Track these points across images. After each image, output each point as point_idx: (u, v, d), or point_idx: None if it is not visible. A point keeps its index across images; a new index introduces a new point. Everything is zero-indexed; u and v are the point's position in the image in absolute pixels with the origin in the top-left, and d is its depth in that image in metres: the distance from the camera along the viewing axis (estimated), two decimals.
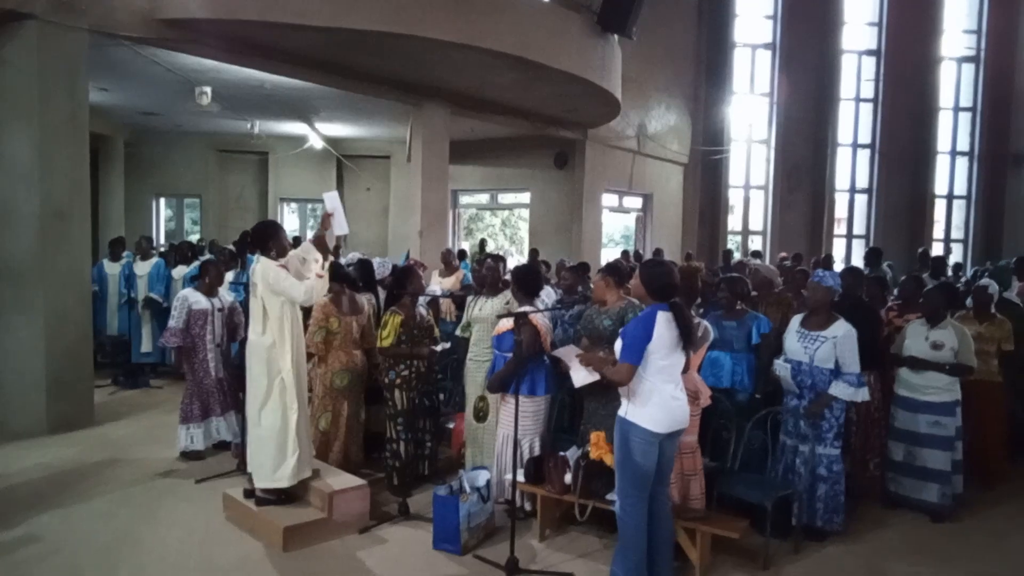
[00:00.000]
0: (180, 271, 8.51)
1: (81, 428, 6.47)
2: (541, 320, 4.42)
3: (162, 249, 11.29)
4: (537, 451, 4.57)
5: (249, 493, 4.51)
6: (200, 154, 13.99)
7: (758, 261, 11.64)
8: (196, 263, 7.82)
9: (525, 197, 14.34)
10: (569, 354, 4.19)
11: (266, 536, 4.27)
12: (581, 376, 4.09)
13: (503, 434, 4.63)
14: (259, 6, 6.82)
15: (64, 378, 6.44)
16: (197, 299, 5.82)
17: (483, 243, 13.72)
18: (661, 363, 3.54)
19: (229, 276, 7.79)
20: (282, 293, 4.28)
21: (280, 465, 4.33)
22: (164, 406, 7.17)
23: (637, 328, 3.57)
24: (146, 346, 8.39)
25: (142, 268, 8.48)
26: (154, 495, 5.02)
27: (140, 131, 13.11)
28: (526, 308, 4.52)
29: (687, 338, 3.58)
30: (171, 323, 5.74)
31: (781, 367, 4.56)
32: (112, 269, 8.55)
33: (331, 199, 4.55)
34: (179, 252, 9.00)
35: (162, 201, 14.83)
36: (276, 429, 4.33)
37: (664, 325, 3.53)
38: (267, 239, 4.43)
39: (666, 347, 3.53)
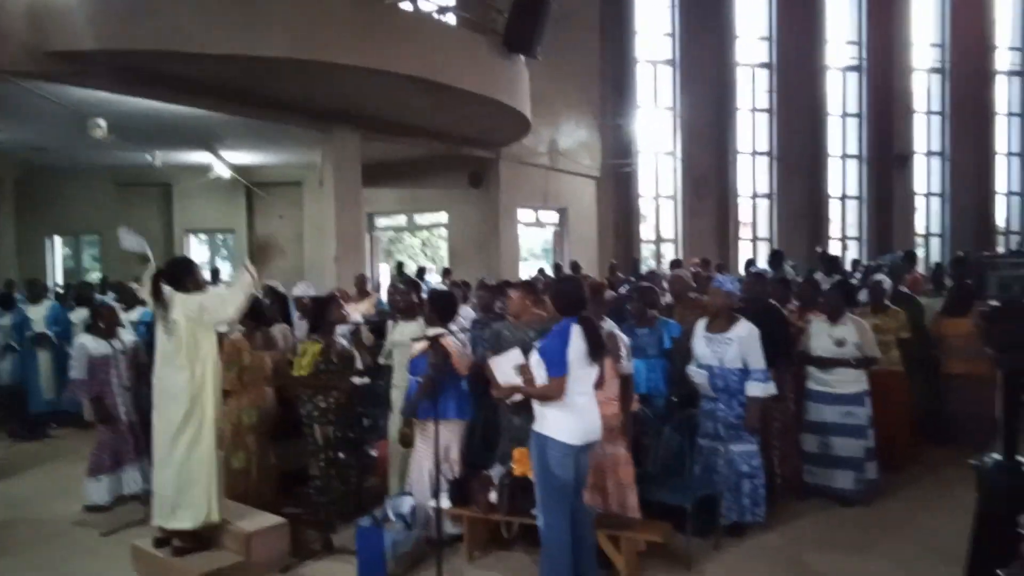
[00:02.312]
0: (79, 314, 8.03)
1: None
2: (453, 343, 4.41)
3: (58, 291, 10.66)
4: (450, 475, 4.53)
5: (160, 542, 4.29)
6: (98, 189, 13.34)
7: (679, 270, 11.97)
8: None
9: (443, 217, 14.33)
10: (503, 366, 4.12)
11: None
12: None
13: (417, 460, 4.58)
14: (153, 36, 6.57)
15: None
16: (96, 345, 5.52)
17: (400, 265, 13.61)
18: (574, 375, 3.61)
19: (133, 315, 7.47)
20: (211, 310, 4.14)
21: (208, 501, 4.19)
22: (67, 457, 6.75)
23: (554, 342, 3.65)
24: (48, 393, 7.87)
25: (36, 312, 7.98)
26: (58, 553, 4.72)
27: (32, 168, 12.41)
28: (437, 330, 4.48)
29: (596, 350, 3.66)
30: (73, 374, 5.44)
31: (697, 373, 4.71)
32: (3, 318, 8.01)
33: (126, 237, 4.42)
34: (79, 293, 8.52)
35: (57, 240, 14.05)
36: (203, 467, 4.17)
37: (577, 337, 3.61)
38: (183, 275, 4.30)
39: (579, 359, 3.61)
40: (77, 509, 5.43)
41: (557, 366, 3.59)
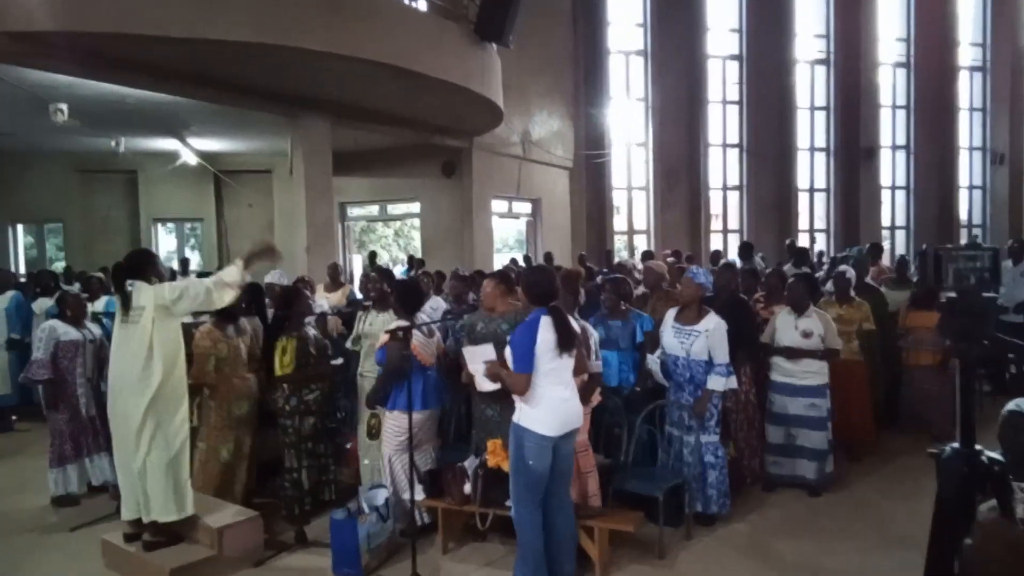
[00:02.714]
0: (42, 304, 7.82)
1: None
2: (415, 335, 4.37)
3: (21, 280, 10.38)
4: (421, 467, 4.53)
5: (130, 537, 4.23)
6: (60, 175, 13.02)
7: (651, 261, 12.07)
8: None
9: (415, 207, 14.26)
10: (476, 356, 4.15)
11: None
12: (485, 381, 4.09)
13: (385, 452, 4.58)
14: (113, 17, 6.39)
15: None
16: (66, 330, 5.41)
17: (373, 255, 13.51)
18: (548, 367, 3.63)
19: (99, 305, 7.30)
20: (191, 297, 4.09)
21: (181, 495, 4.16)
22: (31, 449, 6.61)
23: (523, 336, 3.65)
24: (2, 388, 7.68)
25: None
26: (23, 549, 4.63)
27: None
28: (401, 323, 4.47)
29: (566, 340, 3.67)
30: (37, 355, 5.31)
31: (652, 361, 4.79)
32: None
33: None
34: (40, 283, 8.31)
35: (20, 228, 13.69)
36: (171, 460, 4.12)
37: (547, 329, 3.62)
38: (145, 266, 4.23)
39: (551, 351, 3.62)
40: (44, 503, 5.33)
41: (522, 362, 3.62)
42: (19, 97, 8.06)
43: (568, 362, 3.74)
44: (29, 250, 14.18)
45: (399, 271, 11.03)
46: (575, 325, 3.88)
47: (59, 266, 12.62)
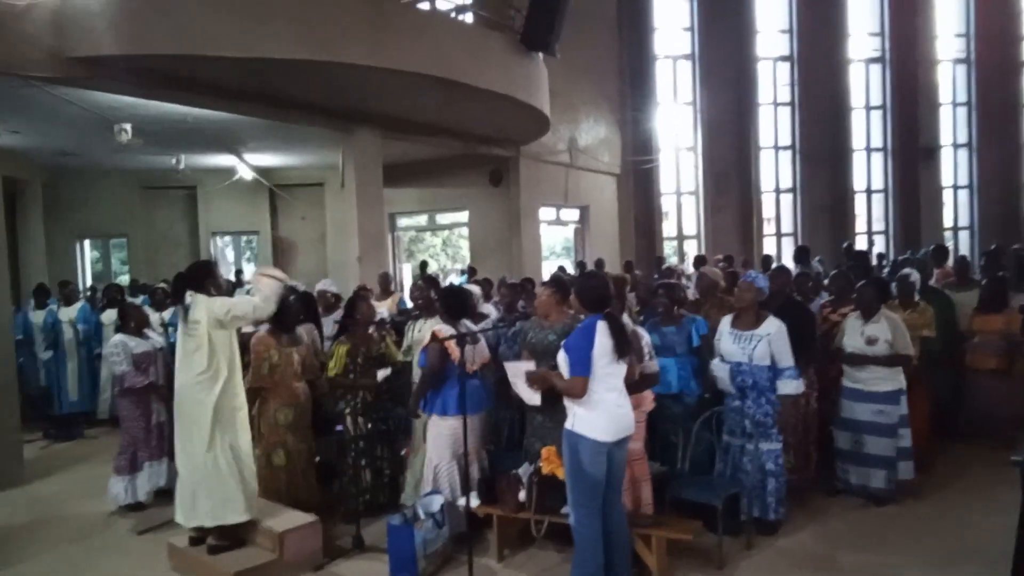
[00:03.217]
0: (109, 316, 8.15)
1: (10, 487, 6.14)
2: (451, 342, 4.38)
3: (88, 293, 10.83)
4: (456, 474, 4.54)
5: (195, 541, 4.35)
6: (124, 192, 13.51)
7: (705, 267, 11.90)
8: None
9: (463, 216, 14.35)
10: (518, 372, 4.18)
11: None
12: (527, 395, 4.10)
13: (430, 458, 4.62)
14: (170, 39, 6.64)
15: None
16: (137, 343, 5.62)
17: (424, 265, 13.66)
18: (603, 371, 3.60)
19: (165, 315, 7.56)
20: (239, 315, 4.27)
21: (240, 499, 4.26)
22: (100, 457, 6.85)
23: (579, 340, 3.64)
24: (72, 395, 8.01)
25: (66, 314, 8.13)
26: (92, 552, 4.80)
27: (59, 172, 12.59)
28: (442, 328, 4.51)
29: (622, 346, 3.65)
30: (118, 369, 5.50)
31: (719, 367, 4.68)
32: (37, 318, 8.17)
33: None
34: (108, 296, 8.66)
35: (87, 243, 14.26)
36: (231, 464, 4.25)
37: (603, 334, 3.60)
38: (203, 277, 4.40)
39: (607, 356, 3.60)
40: (112, 508, 5.50)
41: (580, 365, 3.60)
42: (86, 118, 8.43)
43: (621, 369, 3.71)
44: (95, 264, 14.74)
45: (458, 279, 11.10)
46: (631, 332, 3.84)
47: (124, 279, 13.09)
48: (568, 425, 3.68)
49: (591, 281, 3.91)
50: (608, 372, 3.62)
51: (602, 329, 3.62)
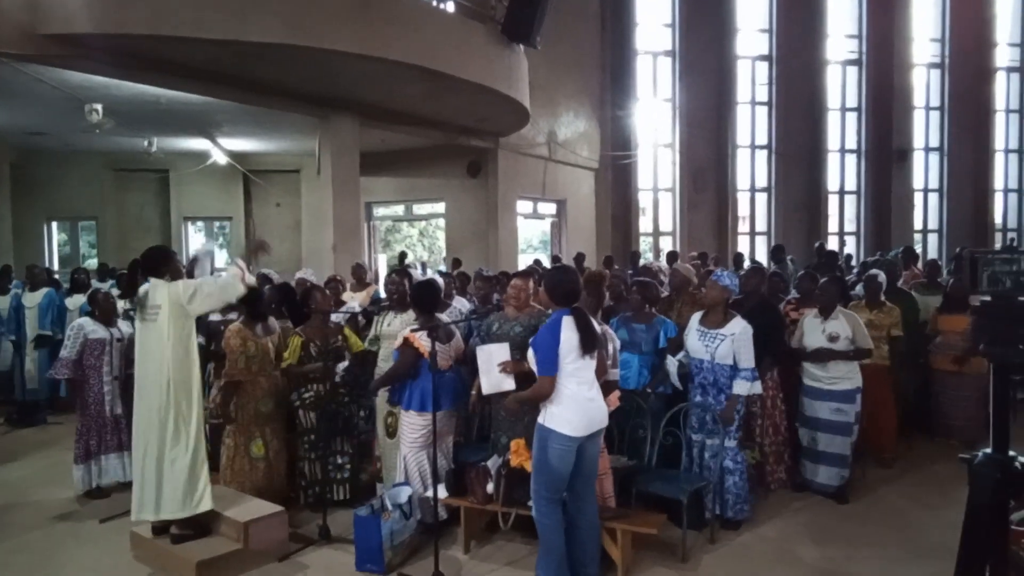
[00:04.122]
0: (76, 301, 8.01)
1: None
2: (423, 341, 4.33)
3: (55, 277, 10.61)
4: (427, 467, 4.54)
5: (159, 530, 4.30)
6: (94, 174, 13.26)
7: (678, 263, 11.99)
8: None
9: (440, 207, 14.30)
10: (490, 357, 4.17)
11: (178, 572, 4.09)
12: (492, 382, 4.12)
13: (401, 450, 4.62)
14: (148, 19, 6.52)
15: None
16: (94, 328, 5.53)
17: (403, 256, 13.60)
18: (572, 367, 3.62)
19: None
20: (207, 293, 4.15)
21: (200, 490, 4.20)
22: (63, 443, 6.72)
23: (546, 337, 3.65)
24: (31, 382, 7.86)
25: (31, 299, 7.95)
26: (54, 539, 4.73)
27: (27, 152, 12.32)
28: (417, 335, 4.49)
29: (588, 341, 3.65)
30: (63, 353, 5.43)
31: (671, 363, 4.75)
32: (1, 302, 8.00)
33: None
34: (74, 280, 8.50)
35: (54, 225, 13.98)
36: (190, 456, 4.18)
37: (569, 329, 3.61)
38: (159, 264, 4.27)
39: (574, 351, 3.61)
40: (75, 495, 5.43)
41: (546, 364, 3.62)
42: (56, 97, 8.25)
43: (591, 363, 3.73)
44: (63, 247, 14.47)
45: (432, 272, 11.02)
46: (597, 327, 3.86)
47: (92, 263, 12.85)
48: (540, 419, 3.70)
49: (561, 275, 3.89)
50: (577, 367, 3.64)
51: (568, 324, 3.63)
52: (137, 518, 4.26)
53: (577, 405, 3.64)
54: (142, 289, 4.19)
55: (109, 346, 5.56)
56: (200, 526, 4.28)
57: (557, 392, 3.63)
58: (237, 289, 4.24)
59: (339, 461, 5.10)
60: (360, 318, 6.09)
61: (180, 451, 4.16)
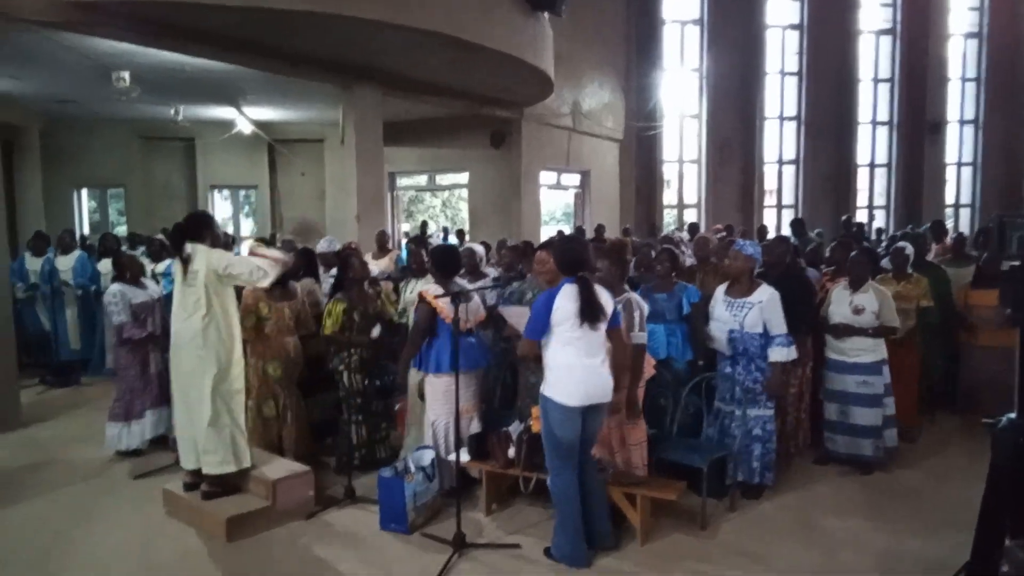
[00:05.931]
0: (106, 265, 8.17)
1: (7, 430, 6.23)
2: (441, 301, 4.36)
3: (87, 242, 10.82)
4: (452, 430, 4.59)
5: (190, 487, 4.43)
6: (122, 142, 13.40)
7: (705, 232, 11.88)
8: None
9: (463, 178, 14.28)
10: (517, 319, 4.20)
11: (209, 528, 4.22)
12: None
13: (428, 414, 4.66)
14: None
15: None
16: (135, 293, 5.64)
17: (424, 225, 13.63)
18: (568, 335, 3.63)
19: (160, 267, 7.57)
20: (236, 274, 4.27)
21: (238, 448, 4.35)
22: (96, 403, 6.92)
23: (539, 303, 3.71)
24: (73, 343, 8.08)
25: (64, 263, 8.14)
26: (90, 495, 4.88)
27: (56, 120, 12.46)
28: (431, 288, 4.54)
29: (589, 311, 3.63)
30: (120, 318, 5.51)
31: (717, 327, 4.70)
32: (34, 264, 8.18)
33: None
34: (104, 245, 8.67)
35: (84, 192, 14.19)
36: (228, 414, 4.32)
37: (567, 298, 3.62)
38: (202, 228, 4.39)
39: (569, 319, 3.61)
40: (108, 454, 5.59)
41: (531, 327, 3.69)
42: (83, 65, 8.32)
43: (595, 335, 3.71)
44: (92, 214, 14.69)
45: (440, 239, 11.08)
46: (604, 298, 3.81)
47: (122, 231, 13.05)
48: (541, 388, 3.76)
49: (569, 244, 3.92)
50: (575, 336, 3.64)
51: (567, 293, 3.63)
52: (186, 467, 4.44)
53: (573, 375, 3.65)
54: (187, 249, 4.27)
55: (151, 307, 5.69)
56: (230, 484, 4.39)
57: (556, 362, 3.67)
58: (268, 279, 4.38)
59: (381, 423, 5.24)
60: (384, 282, 6.15)
61: (219, 409, 4.27)
